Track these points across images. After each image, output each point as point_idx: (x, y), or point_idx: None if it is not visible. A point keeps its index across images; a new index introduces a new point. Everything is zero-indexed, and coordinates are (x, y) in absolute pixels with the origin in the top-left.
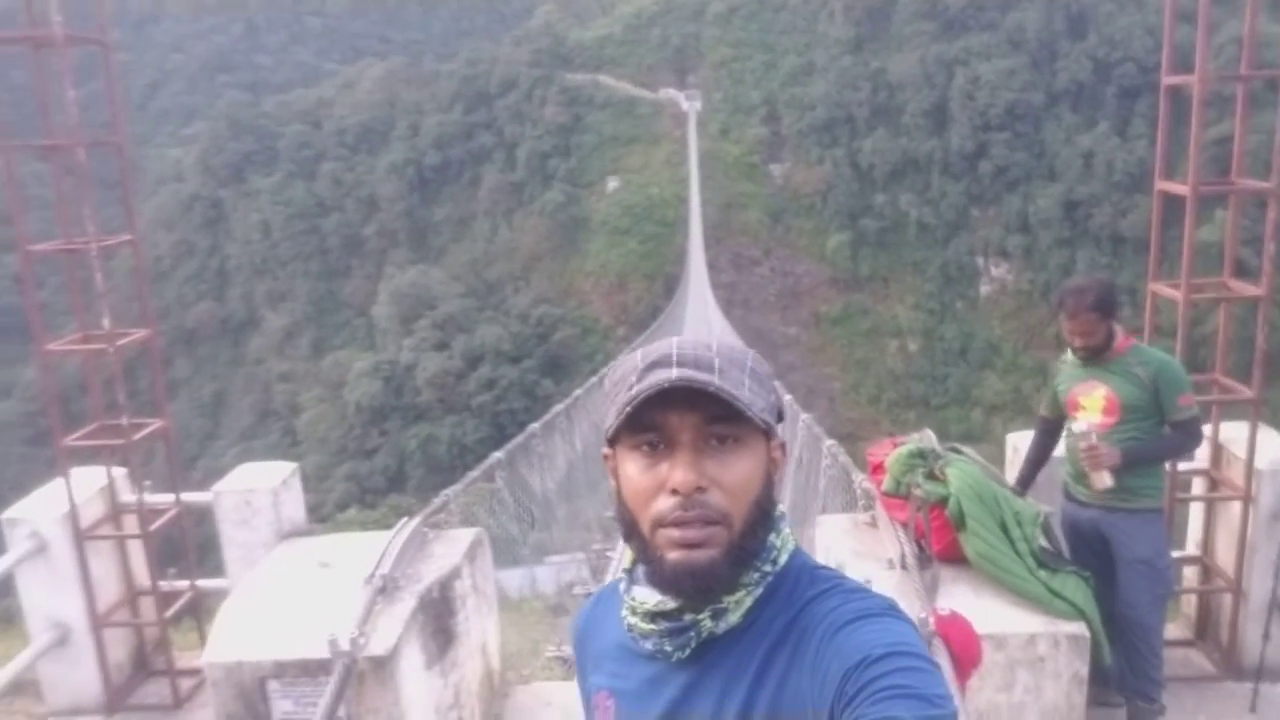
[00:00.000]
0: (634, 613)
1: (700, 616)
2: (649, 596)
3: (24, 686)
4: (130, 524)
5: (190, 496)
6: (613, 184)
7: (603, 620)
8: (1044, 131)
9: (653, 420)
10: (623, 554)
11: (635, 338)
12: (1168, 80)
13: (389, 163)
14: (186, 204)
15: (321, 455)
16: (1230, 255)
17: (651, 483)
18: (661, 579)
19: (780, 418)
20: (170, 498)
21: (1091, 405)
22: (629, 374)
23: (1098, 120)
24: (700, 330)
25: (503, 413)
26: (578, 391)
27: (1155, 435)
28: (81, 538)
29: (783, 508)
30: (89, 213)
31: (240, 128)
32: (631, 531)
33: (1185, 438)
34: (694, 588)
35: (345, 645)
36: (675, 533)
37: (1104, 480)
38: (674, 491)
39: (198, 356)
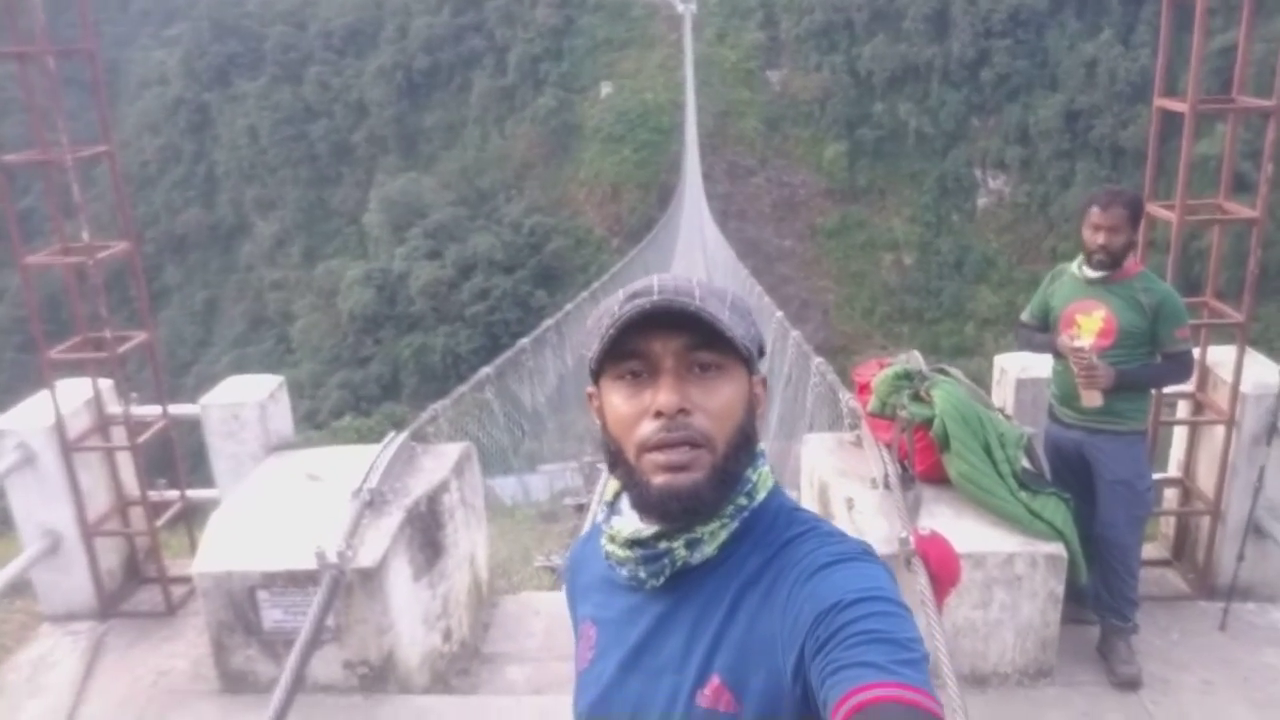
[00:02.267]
0: (612, 540)
1: (675, 544)
2: (628, 524)
3: (22, 589)
4: (118, 436)
5: (177, 409)
6: (606, 89)
7: (592, 554)
8: (1047, 39)
9: (635, 347)
10: (605, 485)
11: (629, 249)
12: None
13: (377, 66)
14: (171, 108)
15: (315, 363)
16: (1227, 175)
17: (636, 409)
18: (647, 503)
19: (761, 353)
20: (157, 410)
21: (1088, 325)
22: (611, 306)
23: (1102, 27)
24: (694, 242)
25: (496, 323)
26: (569, 306)
27: (1146, 362)
28: (69, 449)
29: (763, 445)
30: (62, 123)
31: (223, 29)
32: (617, 460)
33: (1177, 368)
34: (680, 509)
35: (333, 557)
36: (660, 456)
37: (1095, 399)
38: (658, 414)
39: (188, 264)
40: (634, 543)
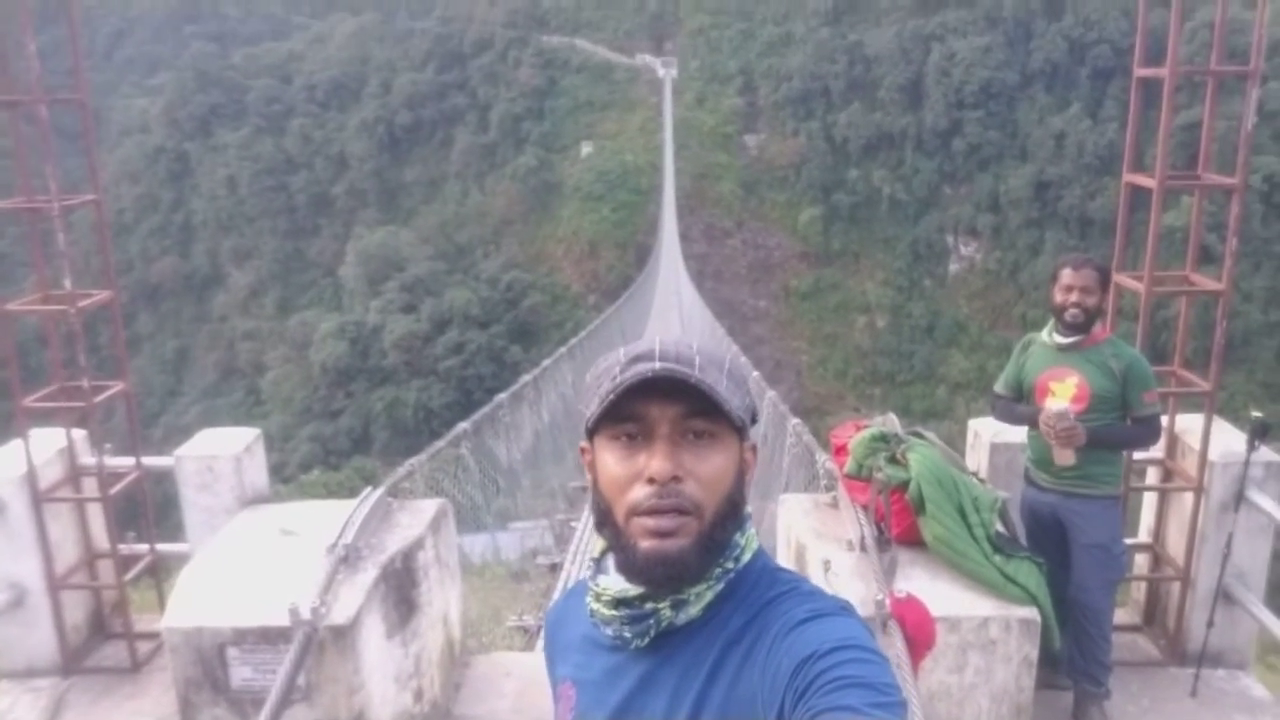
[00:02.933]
0: (598, 599)
1: (661, 606)
2: (614, 584)
3: None
4: (90, 486)
5: (151, 460)
6: (586, 149)
7: (572, 613)
8: (1017, 111)
9: (633, 411)
10: (588, 542)
11: (606, 305)
12: (1140, 72)
13: (360, 120)
14: (151, 156)
15: (286, 415)
16: (1194, 248)
17: (628, 472)
18: (633, 567)
19: (754, 420)
20: (130, 461)
21: (1062, 392)
22: (612, 366)
23: (1070, 101)
24: (670, 301)
25: (470, 378)
26: (546, 362)
27: (1120, 417)
28: (40, 500)
29: (749, 509)
30: (51, 170)
31: (207, 80)
32: (605, 520)
33: (1147, 431)
34: (664, 575)
35: (306, 614)
36: (649, 521)
37: (1068, 457)
38: (650, 480)
39: (161, 312)
40: (620, 602)
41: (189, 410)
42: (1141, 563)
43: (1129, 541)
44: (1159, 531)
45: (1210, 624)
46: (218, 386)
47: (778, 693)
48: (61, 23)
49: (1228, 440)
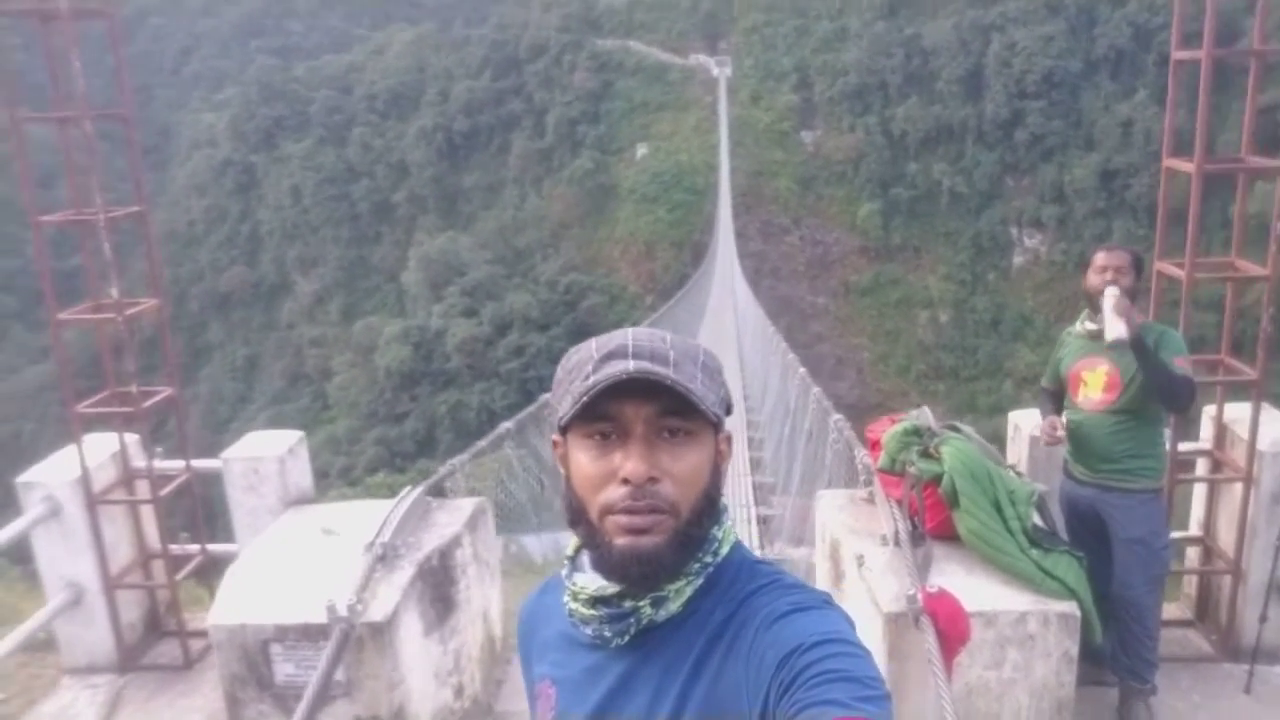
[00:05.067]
0: (575, 598)
1: (641, 604)
2: (591, 582)
3: (47, 643)
4: (143, 489)
5: (200, 463)
6: (642, 151)
7: (548, 610)
8: (1081, 100)
9: (606, 410)
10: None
11: (662, 305)
12: (1177, 55)
13: (419, 129)
14: (219, 169)
15: (352, 419)
16: (1239, 233)
17: (603, 470)
18: (608, 564)
19: (728, 411)
20: (181, 464)
21: (1094, 381)
22: (584, 363)
23: (1137, 88)
24: (725, 301)
25: (530, 379)
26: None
27: (1156, 405)
28: (93, 502)
29: (725, 500)
30: (96, 183)
31: (271, 93)
32: (578, 518)
33: (1183, 382)
34: (639, 574)
35: (343, 611)
36: (624, 519)
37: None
38: (625, 481)
39: (231, 321)
40: (598, 600)
41: (258, 416)
42: (1193, 556)
43: (1179, 535)
44: (1209, 524)
45: (1264, 618)
46: (286, 392)
47: (762, 685)
48: (125, 42)
49: (1277, 429)
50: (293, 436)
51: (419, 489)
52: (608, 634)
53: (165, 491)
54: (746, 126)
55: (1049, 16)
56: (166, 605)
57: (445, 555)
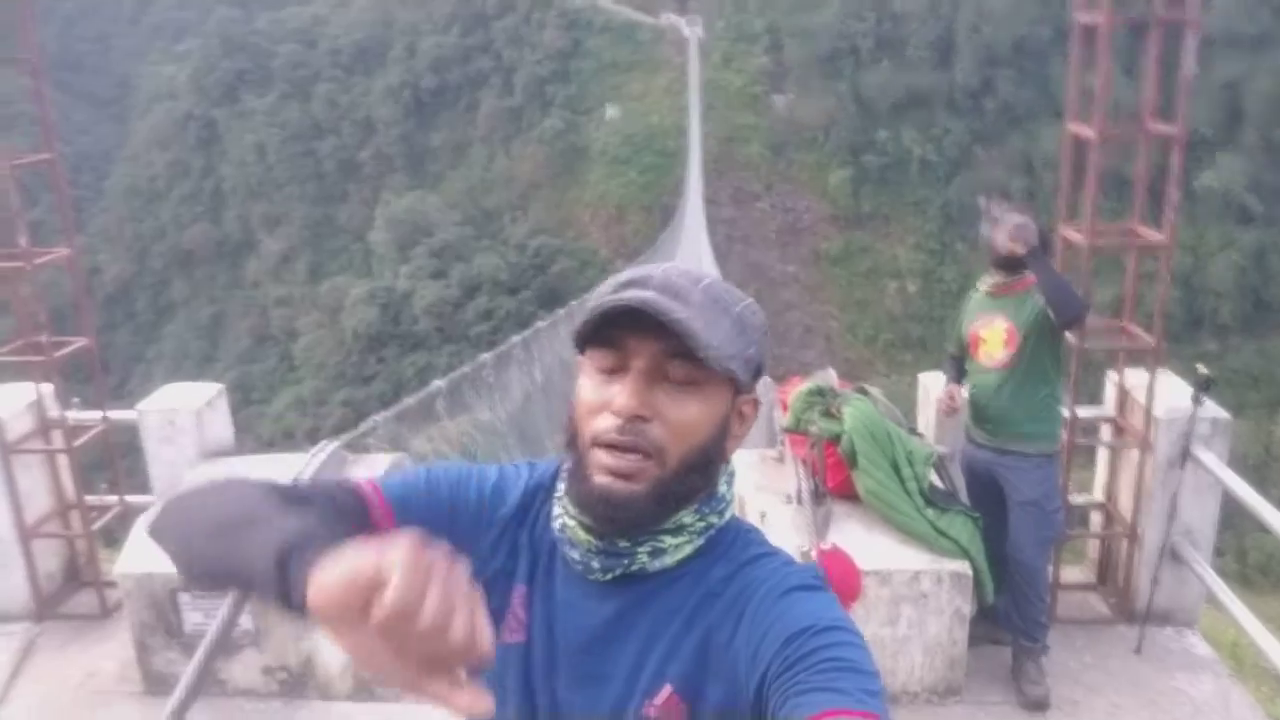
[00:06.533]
0: (568, 513)
1: (640, 550)
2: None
3: None
4: (60, 440)
5: (116, 414)
6: (612, 112)
7: (540, 511)
8: (1051, 68)
9: (611, 338)
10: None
11: (627, 269)
12: (1081, 18)
13: (385, 85)
14: (180, 123)
15: (319, 380)
16: (1140, 198)
17: (599, 399)
18: (581, 497)
19: (759, 373)
20: (98, 415)
21: (993, 338)
22: (609, 286)
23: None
24: (691, 264)
25: (500, 343)
26: (540, 324)
27: (1053, 365)
28: (7, 451)
29: (731, 465)
30: None
31: (233, 45)
32: (571, 442)
33: (1072, 290)
34: (609, 516)
35: None
36: (606, 458)
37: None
38: (615, 414)
39: (195, 279)
40: (590, 529)
41: (224, 376)
42: (1096, 521)
43: (1083, 500)
44: (1111, 489)
45: (1155, 581)
46: (252, 352)
47: (764, 657)
48: None
49: (1174, 396)
50: (212, 389)
51: (335, 442)
52: (594, 565)
53: (80, 441)
54: (718, 89)
55: None
56: (85, 556)
57: None
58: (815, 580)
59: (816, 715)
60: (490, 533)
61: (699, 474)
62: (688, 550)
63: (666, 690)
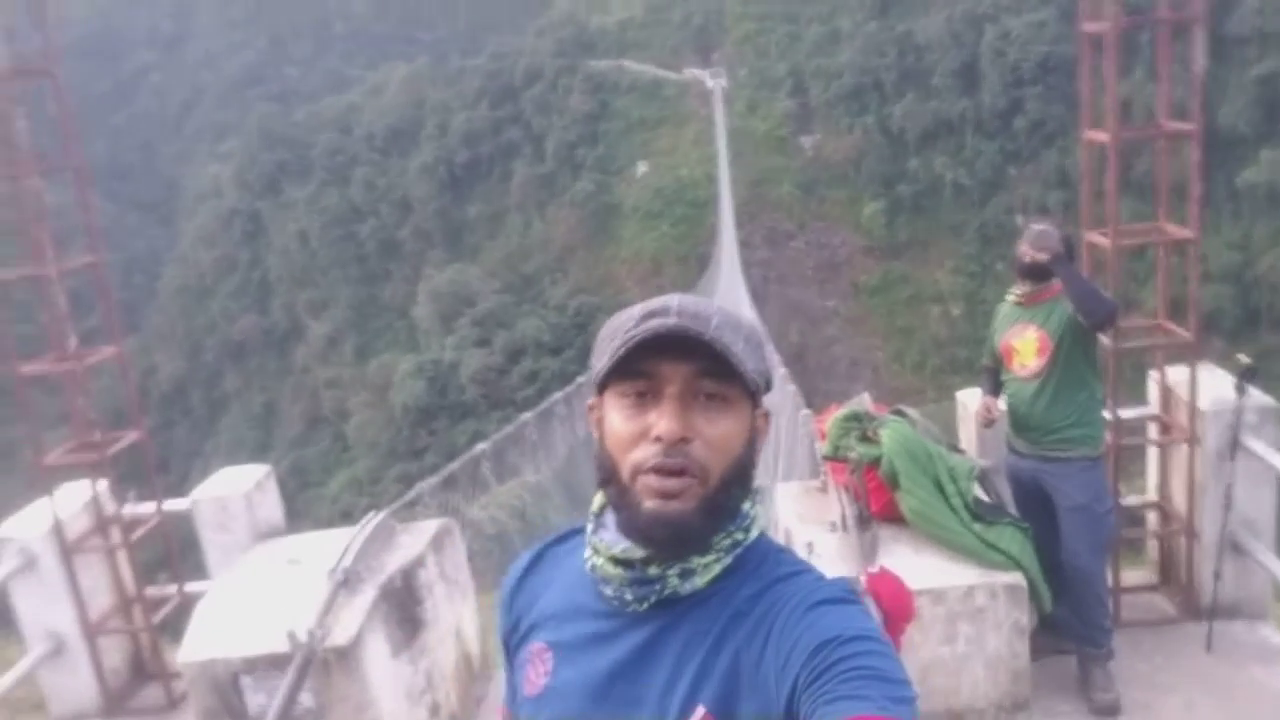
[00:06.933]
0: (598, 553)
1: (669, 573)
2: (616, 542)
3: (30, 692)
4: (116, 535)
5: (171, 505)
6: (642, 168)
7: (547, 578)
8: (1078, 82)
9: (643, 367)
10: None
11: None
12: (1088, 27)
13: (420, 164)
14: (226, 219)
15: (372, 459)
16: (1164, 196)
17: (636, 429)
18: (634, 527)
19: (768, 387)
20: (152, 507)
21: (1025, 348)
22: (625, 322)
23: (1133, 67)
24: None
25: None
26: (580, 379)
27: (1089, 369)
28: (67, 551)
29: (761, 482)
30: (45, 236)
31: (273, 139)
32: (610, 477)
33: (1099, 292)
34: (666, 537)
35: (303, 637)
36: (654, 481)
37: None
38: (657, 439)
39: (246, 370)
40: (621, 562)
41: (280, 462)
42: (1152, 521)
43: (1138, 501)
44: (1163, 488)
45: (1218, 575)
46: (305, 436)
47: (793, 670)
48: (126, 100)
49: (1217, 388)
50: (260, 471)
51: (382, 514)
52: (628, 597)
53: (137, 535)
54: (745, 136)
55: (1040, 3)
56: (149, 649)
57: (408, 576)
58: (845, 593)
59: None
60: (510, 635)
61: (739, 485)
62: (716, 570)
63: (700, 712)
